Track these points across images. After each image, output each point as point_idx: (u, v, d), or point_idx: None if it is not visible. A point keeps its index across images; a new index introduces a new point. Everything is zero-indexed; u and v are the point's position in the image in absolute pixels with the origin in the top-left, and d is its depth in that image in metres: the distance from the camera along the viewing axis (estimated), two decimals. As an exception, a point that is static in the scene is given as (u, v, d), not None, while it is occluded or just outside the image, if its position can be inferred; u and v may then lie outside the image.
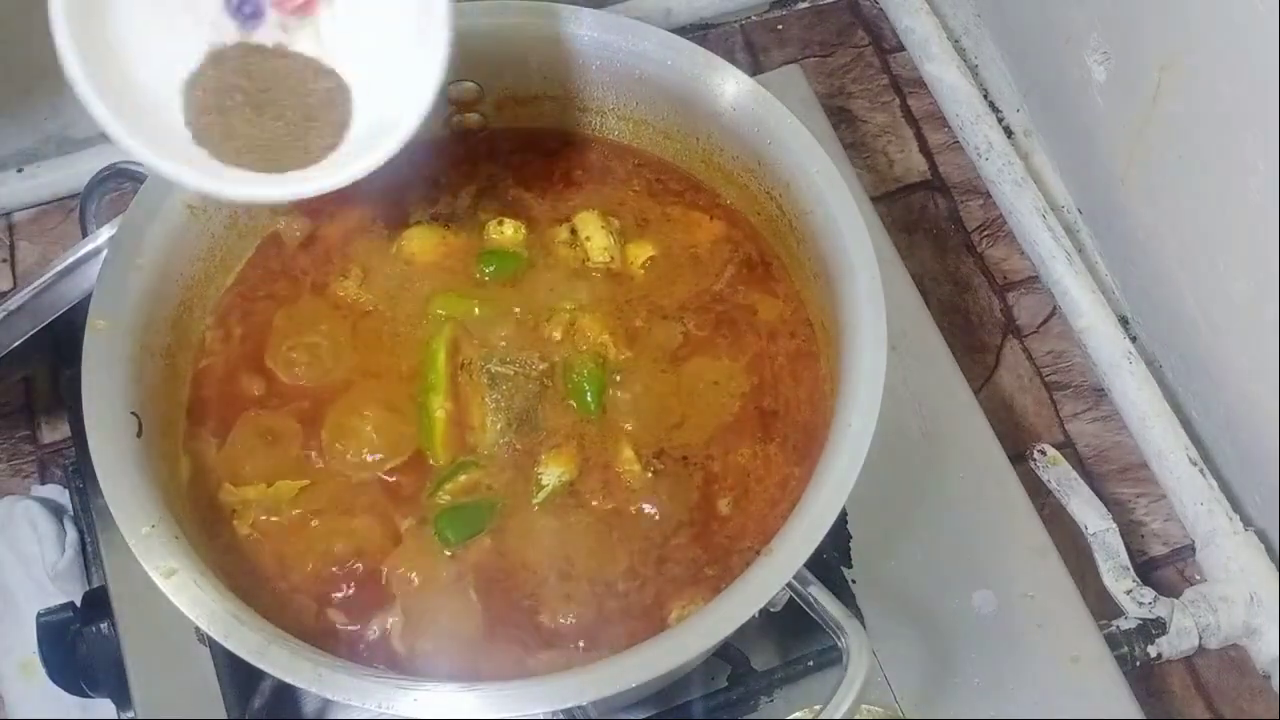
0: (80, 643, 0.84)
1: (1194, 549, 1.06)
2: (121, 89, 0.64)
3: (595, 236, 0.78)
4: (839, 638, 0.63)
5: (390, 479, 0.72)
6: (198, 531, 0.69)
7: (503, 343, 0.75)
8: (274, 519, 0.70)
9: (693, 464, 0.72)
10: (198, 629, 0.62)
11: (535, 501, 0.71)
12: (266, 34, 0.67)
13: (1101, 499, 1.03)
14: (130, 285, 0.71)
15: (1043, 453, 1.05)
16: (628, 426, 0.73)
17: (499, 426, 0.72)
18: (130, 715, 0.84)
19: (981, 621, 0.88)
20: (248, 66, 0.67)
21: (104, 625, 0.84)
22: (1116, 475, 1.13)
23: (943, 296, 1.21)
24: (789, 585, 0.62)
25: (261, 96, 0.67)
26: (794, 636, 0.85)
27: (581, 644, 0.67)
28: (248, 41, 0.67)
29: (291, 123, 0.67)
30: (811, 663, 0.83)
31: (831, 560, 0.87)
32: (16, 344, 0.79)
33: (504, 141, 0.83)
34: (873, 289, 0.68)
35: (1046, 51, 1.19)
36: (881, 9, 1.36)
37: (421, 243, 0.78)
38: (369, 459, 0.72)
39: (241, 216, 0.77)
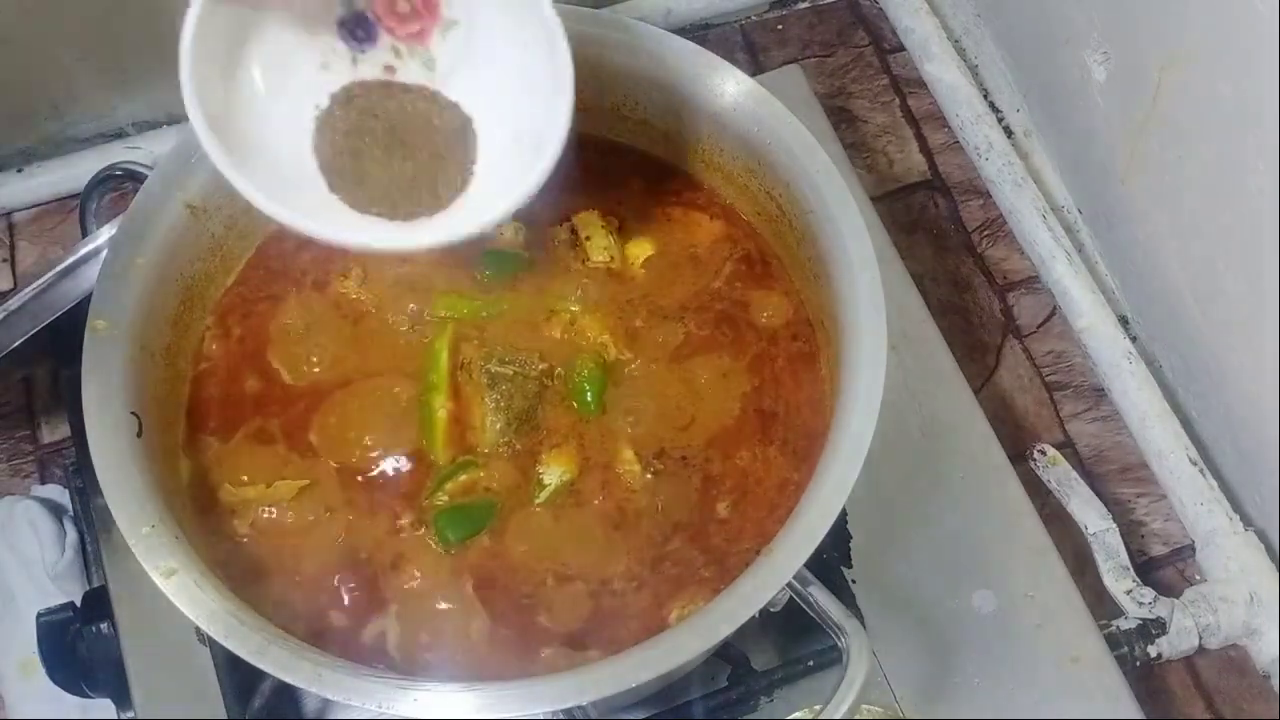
0: (80, 643, 0.84)
1: (1194, 549, 1.06)
2: (258, 155, 0.63)
3: (595, 236, 0.78)
4: (839, 638, 0.63)
5: (390, 479, 0.72)
6: (198, 531, 0.69)
7: (502, 343, 0.75)
8: (274, 519, 0.70)
9: (692, 465, 0.72)
10: (198, 629, 0.62)
11: (537, 501, 0.71)
12: (378, 57, 0.66)
13: (1101, 499, 1.03)
14: (130, 285, 0.71)
15: (1043, 453, 1.05)
16: (628, 427, 0.73)
17: (498, 426, 0.72)
18: (130, 715, 0.84)
19: (981, 621, 0.88)
20: (372, 105, 0.66)
21: (104, 625, 0.84)
22: (1116, 475, 1.13)
23: (943, 296, 1.20)
24: (789, 585, 0.62)
25: (390, 137, 0.66)
26: (794, 636, 0.85)
27: (581, 644, 0.67)
28: (365, 78, 0.66)
29: (421, 163, 0.66)
30: (811, 663, 0.83)
31: (831, 560, 0.87)
32: (16, 344, 0.79)
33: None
34: (873, 289, 0.68)
35: (1046, 51, 1.19)
36: (881, 9, 1.36)
37: (422, 243, 0.78)
38: (369, 459, 0.72)
39: (241, 217, 0.77)
